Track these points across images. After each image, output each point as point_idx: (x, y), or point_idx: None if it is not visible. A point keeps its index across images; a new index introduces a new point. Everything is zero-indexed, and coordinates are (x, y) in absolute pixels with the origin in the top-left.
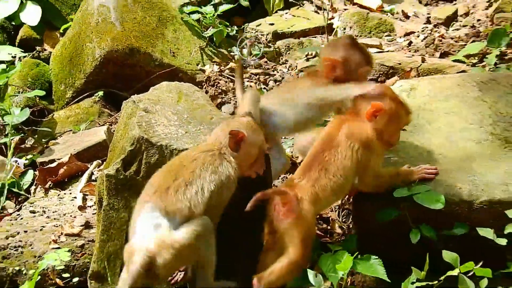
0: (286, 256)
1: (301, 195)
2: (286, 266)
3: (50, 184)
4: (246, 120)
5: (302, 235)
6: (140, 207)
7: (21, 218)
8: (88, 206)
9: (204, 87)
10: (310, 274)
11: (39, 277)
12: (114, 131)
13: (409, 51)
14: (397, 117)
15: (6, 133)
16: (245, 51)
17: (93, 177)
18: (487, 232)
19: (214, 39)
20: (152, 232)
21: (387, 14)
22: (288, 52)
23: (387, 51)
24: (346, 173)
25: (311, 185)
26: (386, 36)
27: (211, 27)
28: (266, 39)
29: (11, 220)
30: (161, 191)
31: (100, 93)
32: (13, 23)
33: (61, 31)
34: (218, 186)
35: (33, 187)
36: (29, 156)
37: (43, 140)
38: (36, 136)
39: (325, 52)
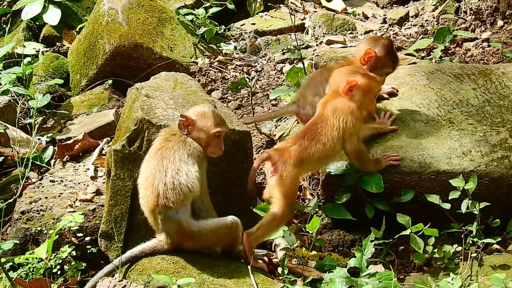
0: (271, 211)
1: (287, 158)
2: (270, 221)
3: (67, 158)
4: (200, 108)
5: (283, 192)
6: (152, 213)
7: (43, 187)
8: (99, 176)
9: (196, 76)
10: (285, 233)
11: (57, 236)
12: (120, 113)
13: None
14: (370, 88)
15: (30, 115)
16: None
17: (103, 152)
18: (434, 198)
19: (205, 36)
20: (171, 224)
21: (350, 16)
22: (267, 47)
23: (350, 46)
24: (334, 143)
25: (299, 151)
26: (349, 34)
27: (202, 26)
28: (249, 36)
29: (34, 188)
30: (163, 191)
31: (110, 81)
32: (37, 23)
33: (77, 29)
34: (194, 161)
35: (52, 160)
36: (50, 134)
37: (62, 121)
38: (55, 117)
39: (368, 43)
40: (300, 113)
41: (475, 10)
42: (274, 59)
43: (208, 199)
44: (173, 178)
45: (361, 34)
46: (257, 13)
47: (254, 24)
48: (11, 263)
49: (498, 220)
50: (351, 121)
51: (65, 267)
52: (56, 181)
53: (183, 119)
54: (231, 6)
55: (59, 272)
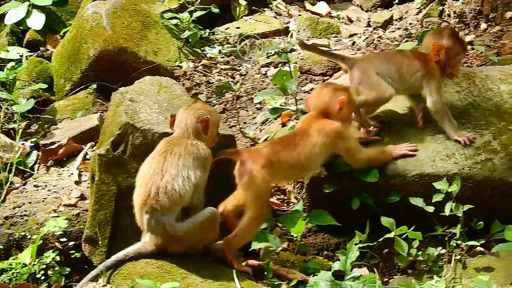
0: (246, 215)
1: (256, 158)
2: (247, 224)
3: (51, 163)
4: (202, 105)
5: (255, 193)
6: (141, 211)
7: (26, 191)
8: (83, 181)
9: (181, 80)
10: (270, 237)
11: (41, 241)
12: (105, 117)
13: (353, 50)
14: (353, 103)
15: (14, 120)
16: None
17: (87, 156)
18: (417, 201)
19: (190, 40)
20: (158, 230)
21: (334, 19)
22: (257, 49)
23: (335, 50)
24: (310, 157)
25: (270, 154)
26: (333, 37)
27: (187, 30)
28: (233, 40)
29: (18, 193)
30: (154, 193)
31: (94, 86)
32: (21, 28)
33: (61, 34)
34: (203, 166)
35: (36, 165)
36: (34, 139)
37: (46, 125)
38: (39, 122)
39: (433, 38)
40: (351, 69)
41: (458, 13)
42: (258, 63)
43: (202, 197)
44: (168, 183)
45: (345, 38)
46: (242, 17)
47: (238, 28)
48: None
49: (481, 222)
50: (342, 143)
51: (49, 272)
52: (40, 186)
53: (204, 118)
54: (215, 10)
55: (43, 277)
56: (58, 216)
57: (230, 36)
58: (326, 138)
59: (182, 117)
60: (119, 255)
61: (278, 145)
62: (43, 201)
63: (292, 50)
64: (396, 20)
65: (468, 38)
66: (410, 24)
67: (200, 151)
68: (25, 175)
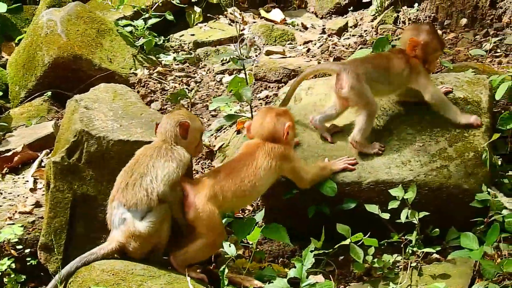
0: (200, 239)
1: (199, 191)
2: (198, 249)
3: (6, 170)
4: (185, 111)
5: (204, 226)
6: (110, 206)
7: None
8: (38, 188)
9: (136, 87)
10: (225, 244)
11: None
12: (60, 125)
13: (308, 57)
14: (294, 125)
15: None
16: (244, 50)
17: (42, 164)
18: (373, 208)
19: (144, 47)
20: (120, 225)
21: (289, 26)
22: (206, 58)
23: (289, 57)
24: (255, 180)
25: (213, 184)
26: (288, 44)
27: (141, 37)
28: (188, 47)
29: None
30: (122, 188)
31: (49, 93)
32: None
33: (16, 41)
34: (175, 168)
35: None
36: None
37: (1, 133)
38: None
39: (410, 33)
40: (340, 74)
41: (413, 20)
42: (213, 70)
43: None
44: (135, 180)
45: (300, 45)
46: (197, 24)
47: (193, 35)
48: None
49: (437, 229)
50: (288, 164)
51: (5, 279)
52: None
53: (183, 123)
54: (170, 17)
55: None
56: (13, 224)
57: (185, 43)
58: (273, 162)
59: (163, 123)
60: (83, 256)
61: (220, 173)
62: None
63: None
64: (351, 27)
65: None
66: (365, 31)
67: (174, 154)
68: None
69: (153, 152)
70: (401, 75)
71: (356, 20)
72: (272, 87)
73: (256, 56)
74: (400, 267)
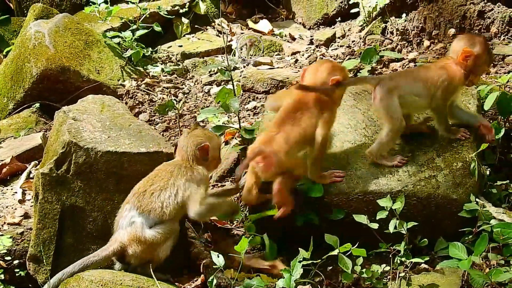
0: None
1: (277, 147)
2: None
3: None
4: (201, 131)
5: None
6: (122, 208)
7: None
8: (27, 200)
9: (124, 99)
10: (213, 255)
11: None
12: (48, 136)
13: (296, 68)
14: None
15: None
16: (244, 51)
17: (31, 175)
18: (361, 218)
19: (132, 58)
20: (127, 227)
21: (276, 37)
22: (194, 69)
23: (277, 68)
24: (312, 129)
25: (285, 137)
26: (276, 55)
27: (129, 49)
28: (176, 59)
29: None
30: (139, 193)
31: (37, 105)
32: None
33: (4, 53)
34: (197, 188)
35: None
36: None
37: None
38: None
39: (464, 43)
40: (375, 89)
41: (401, 30)
42: (201, 81)
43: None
44: (155, 191)
45: (288, 56)
46: (184, 35)
47: (181, 46)
48: None
49: (426, 239)
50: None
51: None
52: None
53: (203, 147)
54: (157, 29)
55: None
56: (2, 235)
57: (172, 55)
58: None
59: (183, 144)
60: (85, 260)
61: (286, 125)
62: None
63: (235, 68)
64: (338, 37)
65: (411, 56)
66: (353, 41)
67: (194, 173)
68: None
69: (173, 169)
70: (440, 87)
71: (344, 30)
72: (260, 98)
73: (255, 56)
74: (388, 277)
